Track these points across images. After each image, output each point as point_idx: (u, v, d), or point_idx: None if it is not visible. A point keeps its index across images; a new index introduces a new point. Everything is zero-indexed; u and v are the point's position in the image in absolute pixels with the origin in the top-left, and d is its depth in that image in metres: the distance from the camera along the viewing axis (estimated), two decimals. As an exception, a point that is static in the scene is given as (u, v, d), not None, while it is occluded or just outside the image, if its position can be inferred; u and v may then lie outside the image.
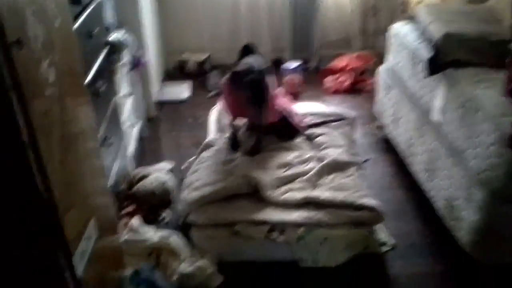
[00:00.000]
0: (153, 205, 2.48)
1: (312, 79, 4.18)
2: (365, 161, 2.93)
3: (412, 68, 2.65)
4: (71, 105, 1.35)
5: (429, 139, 2.41)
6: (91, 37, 1.96)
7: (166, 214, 2.45)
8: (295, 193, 2.30)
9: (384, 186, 2.73)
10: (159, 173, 2.62)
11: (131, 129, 2.90)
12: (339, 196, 2.26)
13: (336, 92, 3.99)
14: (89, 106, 1.55)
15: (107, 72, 2.22)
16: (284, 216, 2.16)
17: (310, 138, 2.82)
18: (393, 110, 2.92)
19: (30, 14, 1.10)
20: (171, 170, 2.76)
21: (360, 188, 2.37)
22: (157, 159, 2.98)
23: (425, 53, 2.46)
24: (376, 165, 2.95)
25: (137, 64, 3.19)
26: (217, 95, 3.86)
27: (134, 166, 2.81)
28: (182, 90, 3.96)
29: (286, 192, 2.30)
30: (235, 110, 2.59)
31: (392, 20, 4.24)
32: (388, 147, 3.04)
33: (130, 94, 2.93)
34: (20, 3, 1.06)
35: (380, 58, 3.49)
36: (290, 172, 2.45)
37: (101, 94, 2.03)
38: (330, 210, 2.19)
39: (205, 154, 2.63)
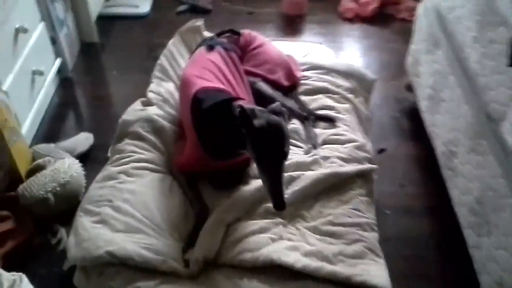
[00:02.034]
0: (45, 218, 1.64)
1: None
2: (379, 152, 1.99)
3: (480, 32, 1.58)
4: None
5: (488, 163, 1.44)
6: None
7: (63, 234, 1.62)
8: (255, 239, 1.42)
9: (401, 208, 1.80)
10: (64, 162, 1.72)
11: (39, 78, 1.94)
12: (328, 254, 1.39)
13: (357, 17, 2.87)
14: None
15: None
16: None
17: (310, 117, 1.86)
18: (433, 81, 1.89)
19: None
20: (86, 153, 1.86)
21: (363, 229, 1.49)
22: (79, 122, 2.07)
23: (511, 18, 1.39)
24: (395, 160, 1.99)
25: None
26: (192, 10, 2.80)
27: (38, 137, 1.91)
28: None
29: (240, 241, 1.42)
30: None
31: None
32: (417, 126, 2.06)
33: (38, 21, 1.93)
34: None
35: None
36: (251, 188, 1.54)
37: None
38: (309, 284, 1.33)
39: (138, 146, 1.68)
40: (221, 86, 1.62)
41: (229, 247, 1.41)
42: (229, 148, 1.49)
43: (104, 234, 1.38)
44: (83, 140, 1.89)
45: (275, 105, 1.44)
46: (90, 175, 1.70)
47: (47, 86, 2.02)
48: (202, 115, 1.52)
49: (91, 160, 1.85)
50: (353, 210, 1.55)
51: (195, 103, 1.55)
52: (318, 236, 1.47)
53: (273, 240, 1.44)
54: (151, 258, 1.33)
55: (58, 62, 2.13)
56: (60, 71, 2.18)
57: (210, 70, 1.68)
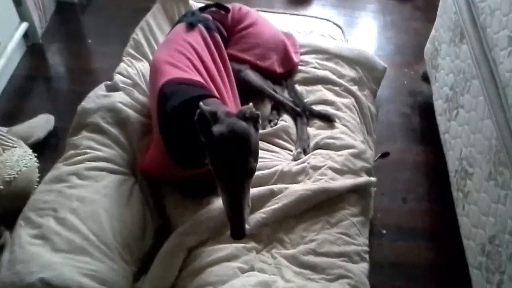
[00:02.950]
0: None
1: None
2: (381, 156, 1.72)
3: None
4: None
5: (510, 200, 1.18)
6: None
7: (7, 238, 1.41)
8: (220, 269, 1.20)
9: (400, 228, 1.56)
10: (14, 153, 1.49)
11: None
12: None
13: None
14: None
15: None
16: None
17: (304, 114, 1.61)
18: (453, 80, 1.60)
19: None
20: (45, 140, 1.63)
21: (351, 260, 1.28)
22: (44, 99, 1.82)
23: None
24: (399, 168, 1.73)
25: None
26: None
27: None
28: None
29: (201, 271, 1.20)
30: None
31: None
32: (430, 127, 1.78)
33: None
34: None
35: None
36: (220, 205, 1.29)
37: None
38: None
39: (96, 140, 1.43)
40: (197, 78, 1.36)
41: (187, 278, 1.20)
42: (195, 157, 1.25)
43: (41, 255, 1.17)
44: (42, 124, 1.65)
45: (247, 107, 1.17)
46: (46, 167, 1.47)
47: (7, 56, 1.76)
48: (167, 116, 1.26)
49: (50, 148, 1.63)
50: (341, 235, 1.32)
51: (161, 99, 1.29)
52: (296, 269, 1.25)
53: (241, 270, 1.22)
54: (92, 288, 1.13)
55: (23, 27, 1.86)
56: (27, 36, 1.91)
57: (185, 56, 1.41)
